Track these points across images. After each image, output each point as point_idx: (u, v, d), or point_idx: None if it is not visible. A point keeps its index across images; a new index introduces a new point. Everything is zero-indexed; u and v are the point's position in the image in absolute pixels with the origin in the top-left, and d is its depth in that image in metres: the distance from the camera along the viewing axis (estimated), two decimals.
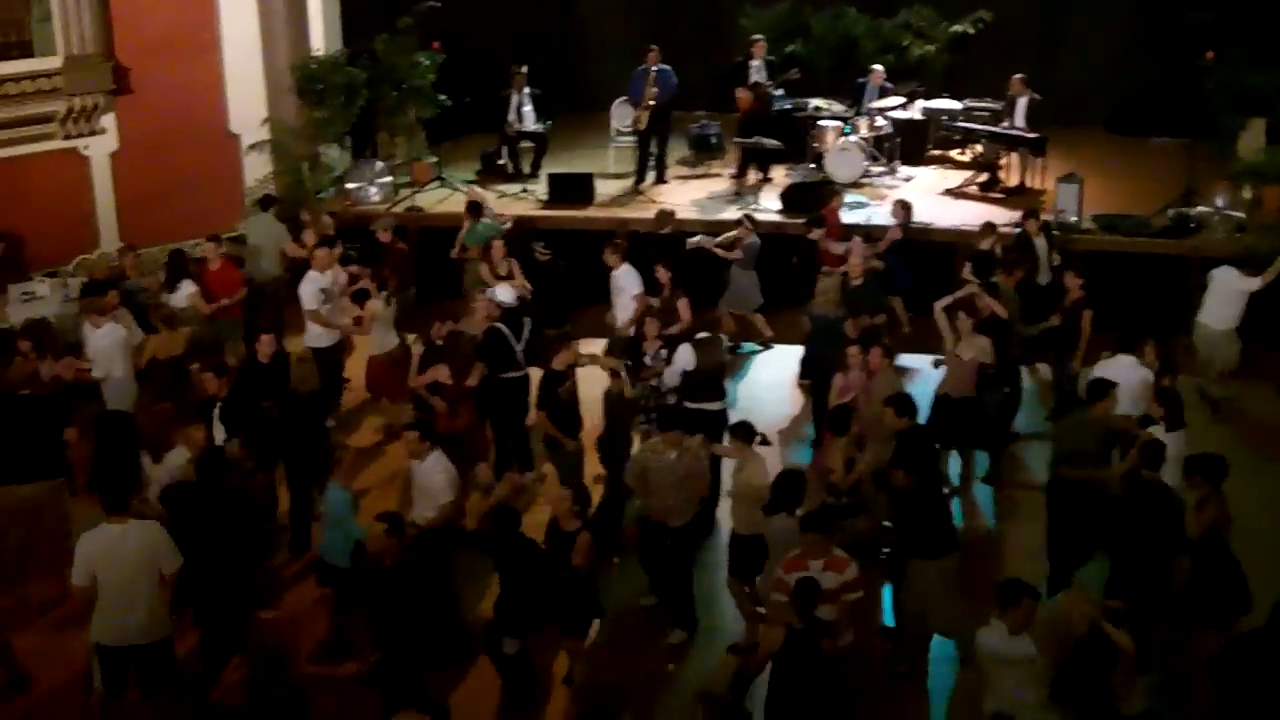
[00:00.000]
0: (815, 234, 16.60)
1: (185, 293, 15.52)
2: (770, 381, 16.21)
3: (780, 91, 21.22)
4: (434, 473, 11.10)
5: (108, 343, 13.69)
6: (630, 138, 20.72)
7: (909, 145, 20.83)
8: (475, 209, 17.25)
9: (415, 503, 11.27)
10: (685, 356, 13.08)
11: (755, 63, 20.84)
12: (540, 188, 19.95)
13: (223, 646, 10.01)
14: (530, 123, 20.75)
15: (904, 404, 11.50)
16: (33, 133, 18.43)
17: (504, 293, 14.98)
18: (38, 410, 12.41)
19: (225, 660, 9.17)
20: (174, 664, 10.00)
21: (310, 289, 14.84)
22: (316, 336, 14.90)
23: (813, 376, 14.61)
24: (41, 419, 12.34)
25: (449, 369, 12.97)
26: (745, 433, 11.13)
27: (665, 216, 17.14)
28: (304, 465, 12.51)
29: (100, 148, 19.06)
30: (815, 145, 20.40)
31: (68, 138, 18.78)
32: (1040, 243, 15.98)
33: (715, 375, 13.19)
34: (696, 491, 11.19)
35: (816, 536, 9.56)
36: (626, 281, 14.98)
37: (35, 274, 17.24)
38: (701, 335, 13.34)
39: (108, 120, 19.03)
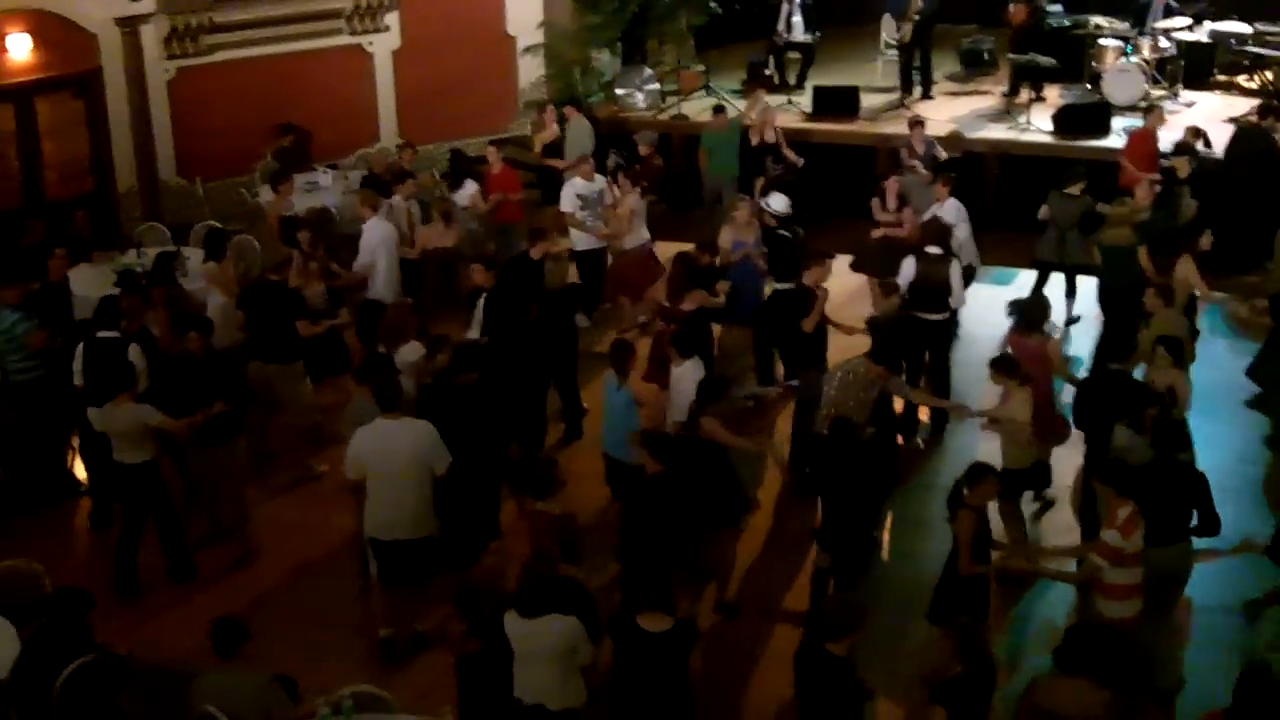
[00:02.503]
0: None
1: (468, 192, 16.12)
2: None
3: (1057, 8, 20.68)
4: (686, 379, 11.28)
5: (372, 235, 14.38)
6: (897, 51, 20.51)
7: (1193, 69, 20.03)
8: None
9: (671, 410, 11.46)
10: (907, 269, 13.18)
11: None
12: (805, 99, 19.93)
13: (478, 532, 10.52)
14: (799, 33, 20.64)
15: (1174, 347, 11.23)
16: (321, 28, 19.30)
17: (777, 200, 14.84)
18: (281, 296, 12.91)
19: (481, 544, 9.56)
20: (435, 558, 10.36)
21: (569, 194, 15.50)
22: (577, 240, 15.56)
23: (1106, 309, 14.41)
24: (283, 305, 12.84)
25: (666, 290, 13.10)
26: (1007, 366, 11.08)
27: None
28: (562, 359, 13.04)
29: (383, 45, 19.78)
30: (1093, 65, 19.84)
31: (353, 34, 19.57)
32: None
33: (939, 289, 13.09)
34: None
35: (1099, 485, 9.47)
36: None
37: (318, 165, 18.01)
38: (931, 249, 13.28)
39: (391, 18, 19.70)
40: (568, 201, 15.50)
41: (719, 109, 17.92)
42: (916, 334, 12.96)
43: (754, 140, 17.19)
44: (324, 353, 13.23)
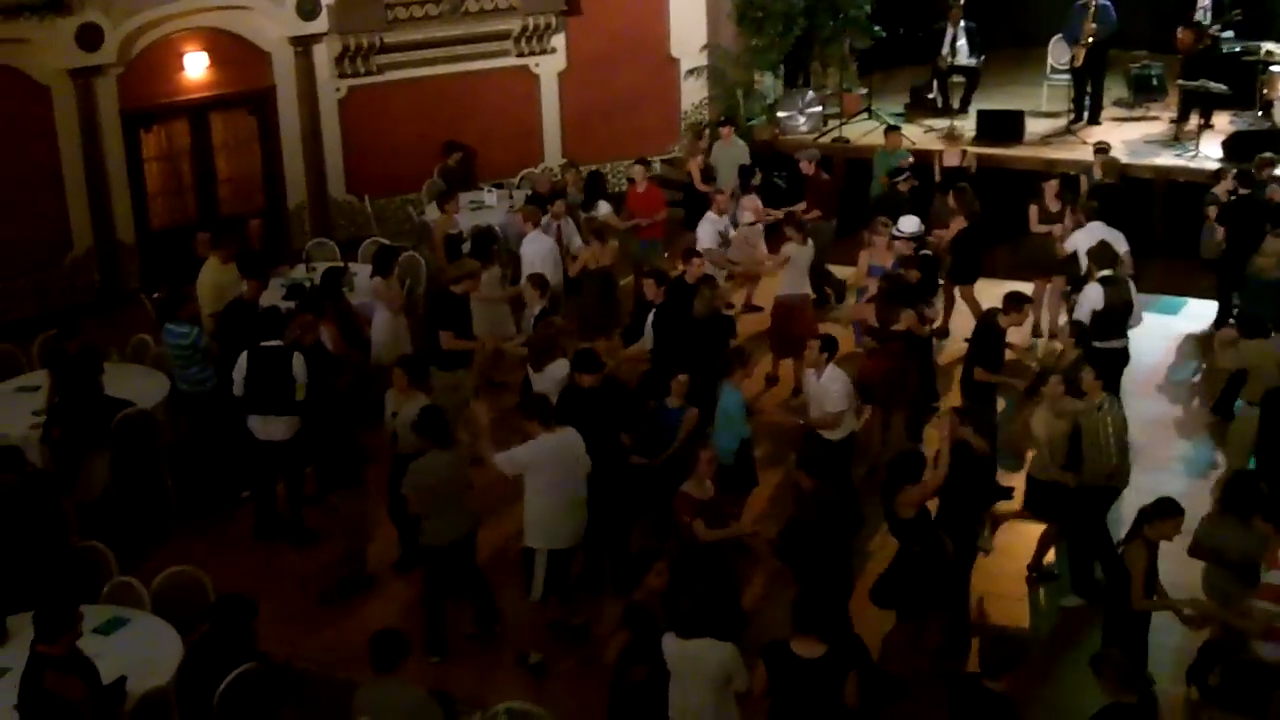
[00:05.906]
0: None
1: (601, 212, 16.17)
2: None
3: (1229, 34, 20.19)
4: (831, 382, 11.43)
5: (531, 249, 14.67)
6: (1065, 75, 20.17)
7: None
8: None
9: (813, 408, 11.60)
10: (1093, 295, 12.91)
11: (1202, 2, 19.89)
12: (969, 124, 19.73)
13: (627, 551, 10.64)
14: (963, 57, 20.40)
15: None
16: (490, 49, 19.63)
17: (907, 222, 14.65)
18: (447, 304, 13.11)
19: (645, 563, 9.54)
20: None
21: (708, 230, 15.41)
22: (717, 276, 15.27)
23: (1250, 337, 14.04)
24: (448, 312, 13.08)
25: (874, 309, 12.96)
26: None
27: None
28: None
29: (549, 66, 20.06)
30: (1264, 92, 19.31)
31: (520, 55, 19.87)
32: None
33: (1121, 314, 12.87)
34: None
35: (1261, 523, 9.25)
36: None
37: (484, 184, 18.27)
38: (1107, 274, 13.01)
39: (558, 40, 19.97)
40: (707, 237, 15.32)
41: (892, 128, 17.83)
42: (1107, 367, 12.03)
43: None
44: None
